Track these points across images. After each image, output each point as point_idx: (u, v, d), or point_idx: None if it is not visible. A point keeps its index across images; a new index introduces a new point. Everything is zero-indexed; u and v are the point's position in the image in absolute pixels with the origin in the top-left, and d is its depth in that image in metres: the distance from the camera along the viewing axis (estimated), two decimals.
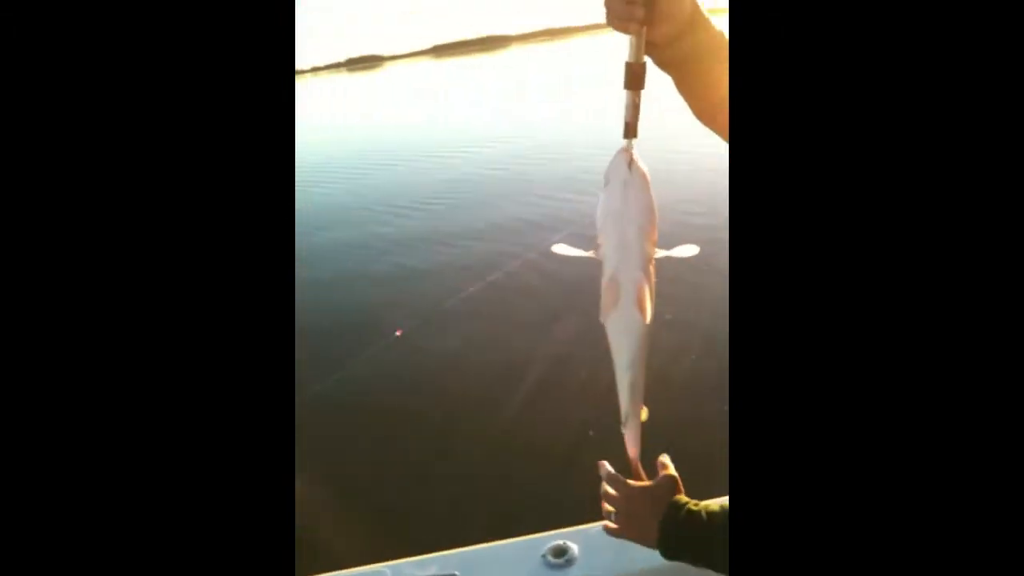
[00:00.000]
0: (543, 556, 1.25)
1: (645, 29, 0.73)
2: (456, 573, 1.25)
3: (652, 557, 0.93)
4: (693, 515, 0.87)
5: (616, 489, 0.96)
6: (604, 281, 0.84)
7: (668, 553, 0.88)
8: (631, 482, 0.96)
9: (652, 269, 0.82)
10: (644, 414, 0.94)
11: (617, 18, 0.73)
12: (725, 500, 0.87)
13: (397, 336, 3.95)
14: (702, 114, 0.83)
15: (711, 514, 0.86)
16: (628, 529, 0.96)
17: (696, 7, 0.74)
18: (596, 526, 1.28)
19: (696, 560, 0.86)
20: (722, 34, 0.75)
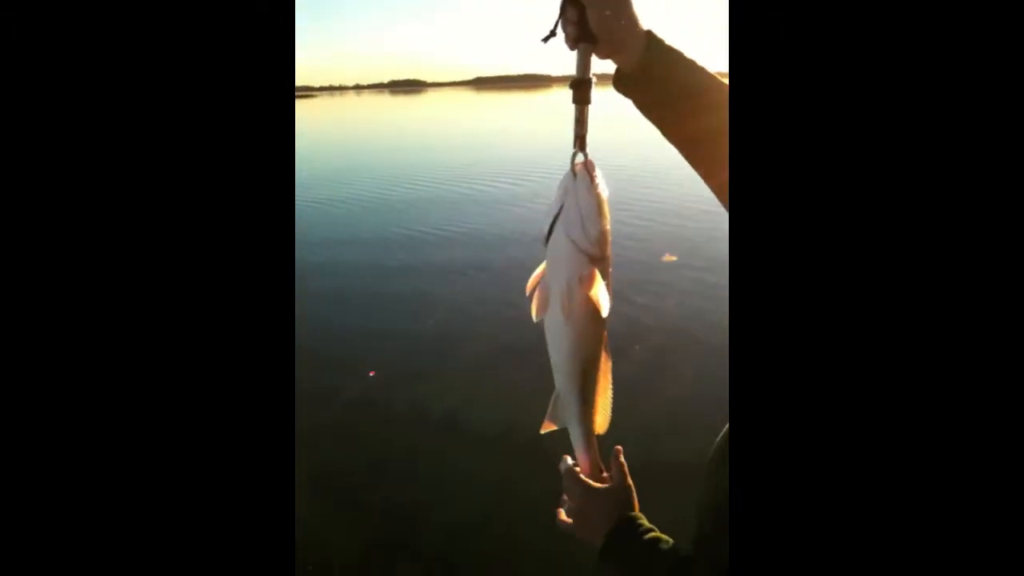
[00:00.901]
0: None
1: (586, 47, 0.79)
2: None
3: None
4: (641, 541, 0.85)
5: (573, 487, 0.95)
6: (538, 284, 0.86)
7: (605, 567, 0.87)
8: (589, 482, 0.95)
9: (593, 274, 0.82)
10: (599, 423, 0.93)
11: (566, 38, 0.80)
12: (670, 541, 0.85)
13: (371, 376, 3.87)
14: (679, 143, 0.85)
15: (658, 546, 0.83)
16: (578, 528, 0.94)
17: (654, 40, 0.78)
18: None
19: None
20: (702, 71, 0.79)
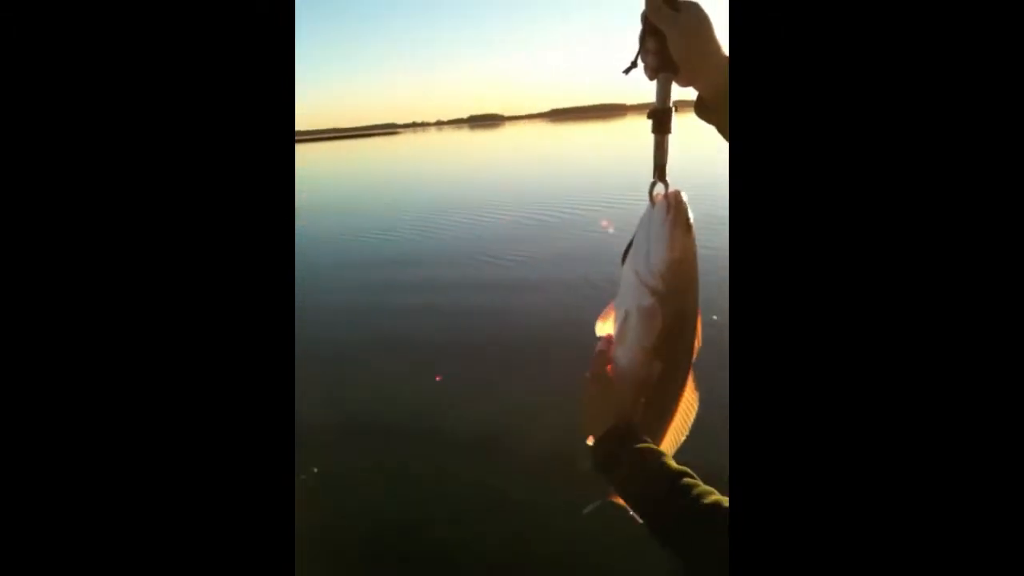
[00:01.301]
0: None
1: (667, 76, 0.78)
2: None
3: None
4: (641, 452, 0.80)
5: (597, 377, 0.89)
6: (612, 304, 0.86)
7: (600, 460, 0.82)
8: (607, 369, 0.89)
9: (651, 306, 0.81)
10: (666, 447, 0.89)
11: (646, 68, 0.80)
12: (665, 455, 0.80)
13: (437, 381, 3.98)
14: None
15: (659, 463, 0.78)
16: (589, 414, 0.88)
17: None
18: None
19: (619, 487, 0.81)
20: None
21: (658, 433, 0.89)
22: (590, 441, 0.87)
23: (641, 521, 0.78)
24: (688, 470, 0.77)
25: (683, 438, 0.90)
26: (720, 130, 0.80)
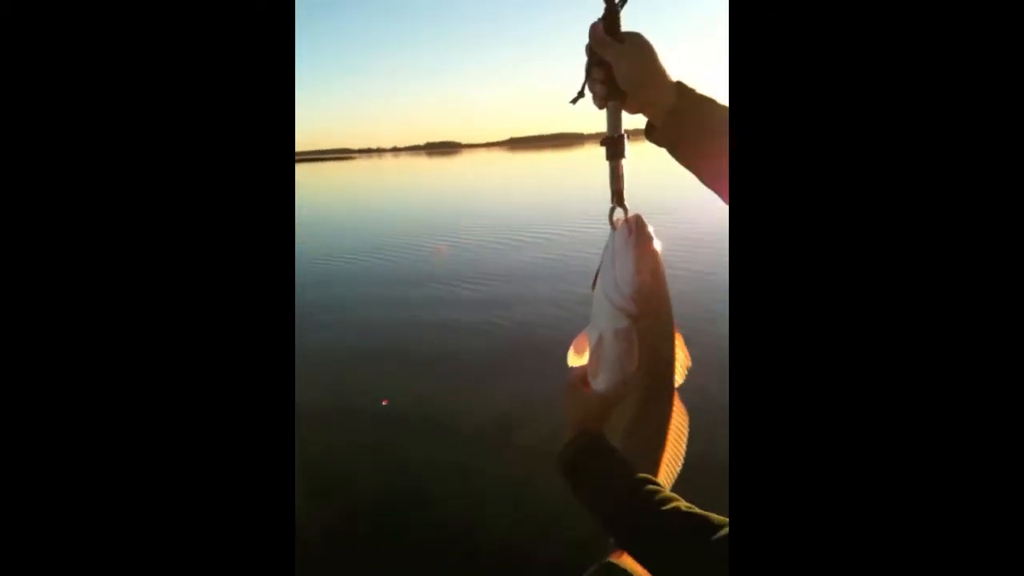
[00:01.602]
0: None
1: (615, 105, 0.80)
2: None
3: None
4: (609, 455, 0.81)
5: (573, 387, 0.89)
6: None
7: (566, 463, 0.82)
8: (579, 382, 0.88)
9: (630, 330, 0.81)
10: (662, 479, 0.88)
11: (594, 98, 0.81)
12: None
13: (383, 405, 4.06)
14: (721, 192, 0.80)
15: (624, 469, 0.79)
16: (569, 405, 0.88)
17: (684, 89, 0.78)
18: None
19: (582, 492, 0.80)
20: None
21: (651, 462, 0.87)
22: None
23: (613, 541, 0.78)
24: (651, 478, 0.77)
25: (678, 468, 0.88)
26: (671, 152, 0.81)
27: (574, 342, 0.88)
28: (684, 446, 0.88)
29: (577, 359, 0.88)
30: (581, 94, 0.83)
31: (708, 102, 0.79)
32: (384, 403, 4.15)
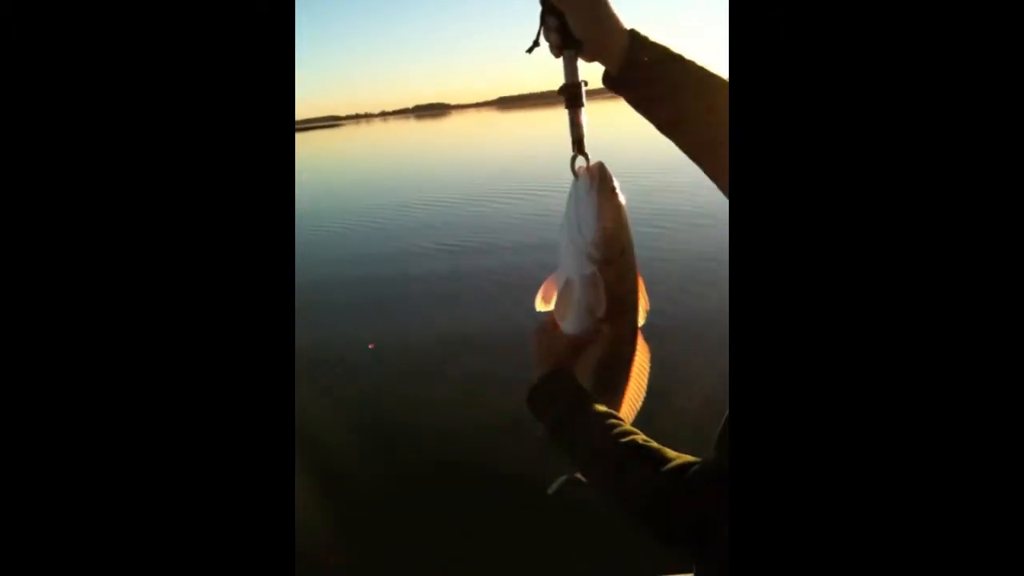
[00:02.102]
0: None
1: (571, 53, 0.82)
2: None
3: None
4: (576, 392, 0.83)
5: (544, 327, 0.91)
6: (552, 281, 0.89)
7: (535, 400, 0.85)
8: (550, 320, 0.90)
9: (593, 275, 0.84)
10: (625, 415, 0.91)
11: (551, 47, 0.82)
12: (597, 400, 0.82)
13: (370, 348, 4.16)
14: (678, 140, 0.84)
15: (589, 405, 0.81)
16: (538, 347, 0.90)
17: (637, 36, 0.80)
18: None
19: (554, 430, 0.82)
20: (690, 64, 0.80)
21: (615, 398, 0.91)
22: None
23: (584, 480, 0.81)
24: (614, 413, 0.81)
25: (640, 402, 0.93)
26: (629, 101, 0.83)
27: (542, 288, 0.89)
28: (646, 382, 0.93)
29: (545, 305, 0.89)
30: (536, 43, 0.84)
31: (661, 49, 0.81)
32: (371, 347, 4.22)
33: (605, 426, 0.77)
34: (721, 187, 0.82)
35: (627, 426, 0.77)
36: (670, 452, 0.71)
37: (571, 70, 0.82)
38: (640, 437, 0.75)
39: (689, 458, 0.70)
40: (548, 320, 0.90)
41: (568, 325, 0.88)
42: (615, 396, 0.91)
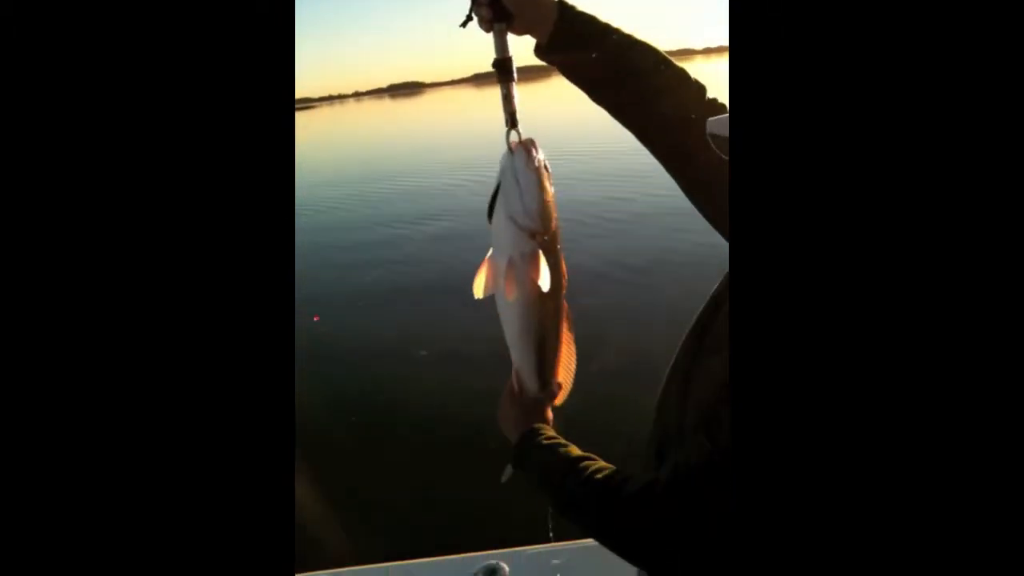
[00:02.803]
0: (474, 574, 1.29)
1: (502, 27, 0.82)
2: None
3: None
4: (548, 444, 0.88)
5: (505, 394, 0.98)
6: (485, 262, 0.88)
7: (515, 462, 0.90)
8: (514, 391, 0.97)
9: (534, 250, 0.85)
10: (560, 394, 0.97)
11: (481, 22, 0.83)
12: (569, 445, 0.88)
13: (315, 321, 4.26)
14: (609, 107, 0.89)
15: (556, 449, 0.86)
16: (503, 420, 0.97)
17: (564, 7, 0.83)
18: (529, 549, 1.32)
19: (535, 481, 0.86)
20: (617, 32, 0.85)
21: (553, 365, 0.96)
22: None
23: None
24: (590, 455, 0.83)
25: (574, 365, 0.97)
26: (561, 70, 0.87)
27: (479, 273, 0.88)
28: (574, 346, 0.97)
29: (482, 288, 0.89)
30: (469, 17, 0.84)
31: (588, 18, 0.84)
32: (315, 319, 4.35)
33: (577, 469, 0.80)
34: (647, 143, 0.89)
35: (597, 463, 0.80)
36: (636, 477, 0.73)
37: (502, 44, 0.83)
38: (609, 471, 0.77)
39: (637, 483, 0.72)
40: (510, 387, 0.96)
41: (518, 302, 0.89)
42: (553, 363, 0.95)
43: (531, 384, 0.96)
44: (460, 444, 3.29)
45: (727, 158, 0.65)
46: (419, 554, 1.37)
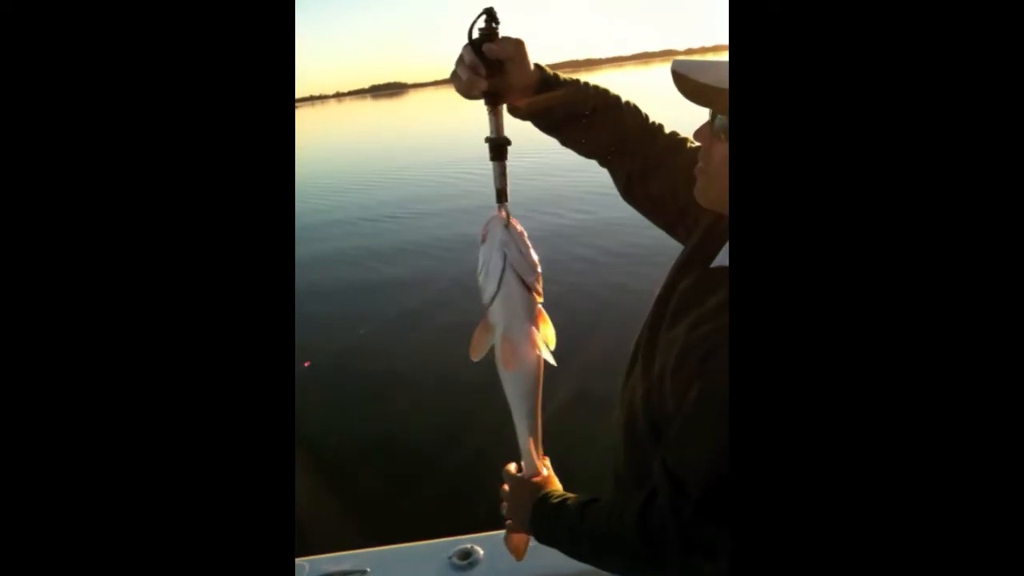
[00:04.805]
0: (449, 558, 1.31)
1: (501, 109, 0.88)
2: (367, 570, 1.31)
3: (554, 563, 0.99)
4: (552, 506, 0.92)
5: (507, 483, 1.03)
6: (498, 338, 0.92)
7: (539, 535, 0.95)
8: (517, 475, 1.03)
9: (541, 311, 0.91)
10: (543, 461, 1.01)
11: (463, 88, 0.86)
12: (574, 496, 0.93)
13: (305, 367, 4.14)
14: (592, 153, 1.01)
15: (565, 503, 0.91)
16: (513, 517, 1.01)
17: (544, 74, 0.91)
18: (502, 533, 1.34)
19: (565, 545, 0.91)
20: (586, 86, 0.96)
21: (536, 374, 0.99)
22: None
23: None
24: (594, 496, 0.88)
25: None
26: (537, 124, 0.97)
27: (474, 339, 0.93)
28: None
29: (480, 353, 0.94)
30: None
31: (560, 79, 0.94)
32: (306, 365, 4.19)
33: (586, 522, 0.85)
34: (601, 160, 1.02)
35: (597, 513, 0.85)
36: (631, 504, 0.77)
37: (497, 124, 0.89)
38: (603, 525, 0.82)
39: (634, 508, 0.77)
40: (510, 471, 1.01)
41: (533, 368, 0.93)
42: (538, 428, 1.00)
43: (531, 464, 1.00)
44: (433, 430, 3.31)
45: (690, 100, 0.71)
46: (394, 540, 1.38)
